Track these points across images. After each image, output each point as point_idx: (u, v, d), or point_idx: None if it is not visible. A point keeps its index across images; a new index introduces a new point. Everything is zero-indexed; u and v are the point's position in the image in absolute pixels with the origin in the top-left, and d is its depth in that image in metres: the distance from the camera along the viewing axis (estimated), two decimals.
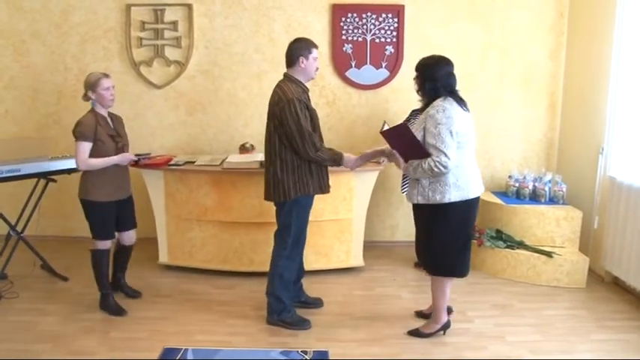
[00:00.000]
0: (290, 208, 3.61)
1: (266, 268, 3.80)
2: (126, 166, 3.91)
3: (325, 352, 3.35)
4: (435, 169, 3.18)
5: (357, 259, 4.71)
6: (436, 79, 3.30)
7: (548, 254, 4.42)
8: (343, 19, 5.20)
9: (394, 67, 5.26)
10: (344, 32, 5.23)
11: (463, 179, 3.29)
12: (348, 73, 5.28)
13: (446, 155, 3.16)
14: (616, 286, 4.45)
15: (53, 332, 3.58)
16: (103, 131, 3.72)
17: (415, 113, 4.52)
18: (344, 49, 5.25)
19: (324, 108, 5.31)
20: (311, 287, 4.17)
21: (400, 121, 4.57)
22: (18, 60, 5.28)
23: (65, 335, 3.54)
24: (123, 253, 4.16)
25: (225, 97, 5.31)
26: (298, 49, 3.55)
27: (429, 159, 3.20)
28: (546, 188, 4.81)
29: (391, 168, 4.89)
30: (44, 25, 5.23)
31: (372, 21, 5.20)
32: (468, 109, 3.35)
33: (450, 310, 3.70)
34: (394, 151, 3.44)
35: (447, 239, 3.37)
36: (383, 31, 5.22)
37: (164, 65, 5.29)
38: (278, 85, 3.59)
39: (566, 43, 5.28)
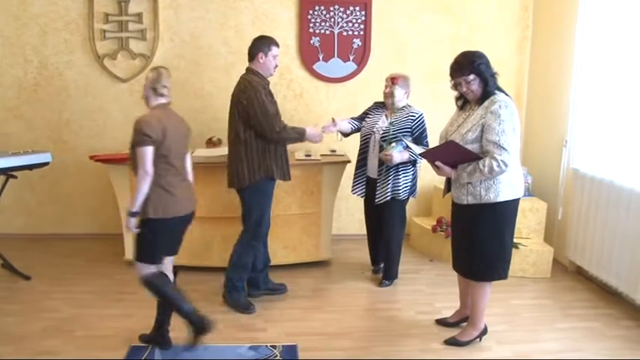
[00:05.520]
0: (251, 193, 3.73)
1: None
2: None
3: (294, 347, 3.34)
4: (497, 169, 2.98)
5: (325, 252, 4.70)
6: (493, 73, 3.09)
7: (515, 245, 4.48)
8: (311, 11, 5.17)
9: (362, 60, 5.26)
10: (311, 25, 5.20)
11: (515, 177, 3.13)
12: (315, 66, 5.26)
13: (508, 153, 2.98)
14: (579, 275, 4.56)
15: (16, 333, 3.48)
16: None
17: (377, 105, 4.37)
18: (311, 42, 5.22)
19: (291, 101, 5.27)
20: (280, 281, 4.17)
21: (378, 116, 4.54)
22: None
23: (29, 336, 3.44)
24: None
25: (192, 90, 5.22)
26: (258, 46, 3.71)
27: (487, 159, 3.00)
28: None
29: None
30: (1, 16, 5.04)
31: (340, 14, 5.19)
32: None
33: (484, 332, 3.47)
34: (437, 163, 3.20)
35: (495, 240, 3.17)
36: (350, 24, 5.21)
37: (129, 58, 5.17)
38: (243, 77, 3.73)
39: (531, 37, 5.36)
